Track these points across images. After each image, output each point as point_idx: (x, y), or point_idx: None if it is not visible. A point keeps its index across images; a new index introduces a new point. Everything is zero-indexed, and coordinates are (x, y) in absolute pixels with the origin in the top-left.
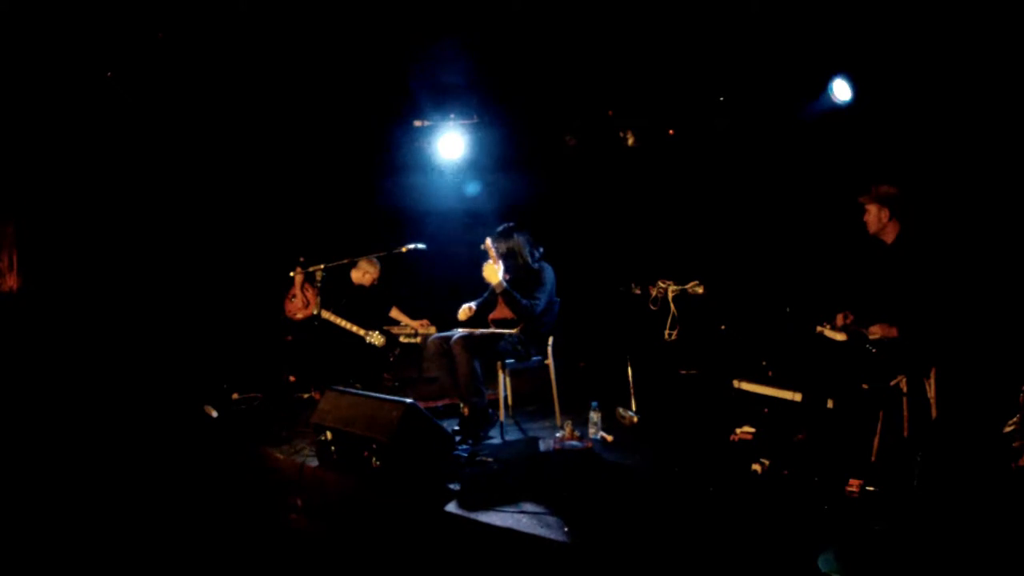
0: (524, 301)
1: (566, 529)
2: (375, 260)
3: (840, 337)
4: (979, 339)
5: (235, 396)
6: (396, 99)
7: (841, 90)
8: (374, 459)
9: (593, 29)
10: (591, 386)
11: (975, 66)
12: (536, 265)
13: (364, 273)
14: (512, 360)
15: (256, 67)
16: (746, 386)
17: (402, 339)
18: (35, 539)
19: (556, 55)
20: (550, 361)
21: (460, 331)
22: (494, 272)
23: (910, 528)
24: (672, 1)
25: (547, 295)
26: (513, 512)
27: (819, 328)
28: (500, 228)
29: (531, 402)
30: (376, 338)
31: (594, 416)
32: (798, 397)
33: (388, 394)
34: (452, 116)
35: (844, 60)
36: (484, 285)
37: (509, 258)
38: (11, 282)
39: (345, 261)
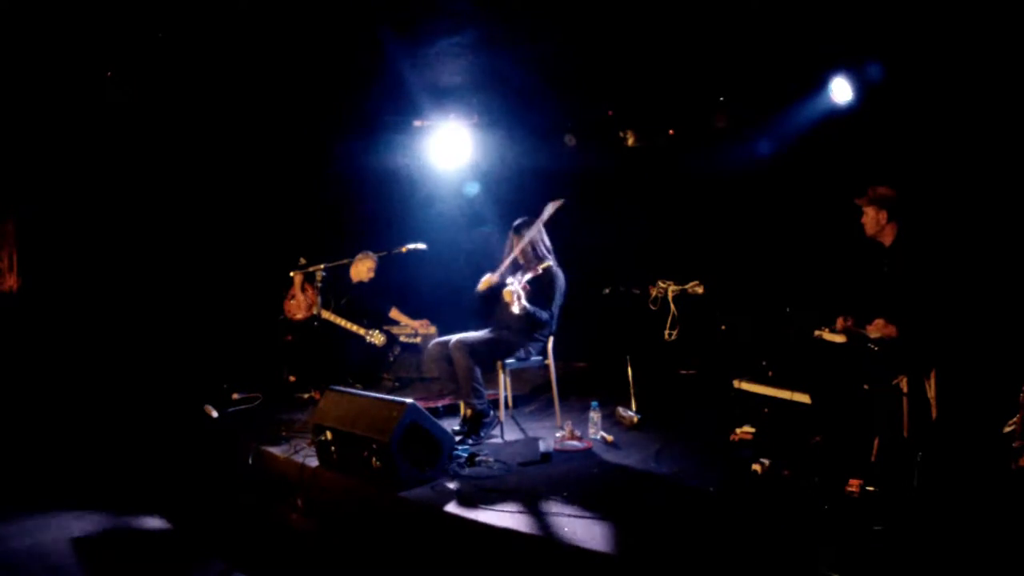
0: (544, 315)
1: (566, 529)
2: (371, 253)
3: (839, 339)
4: (979, 339)
5: (235, 396)
6: (395, 98)
7: (841, 91)
8: (374, 459)
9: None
10: (591, 386)
11: (973, 68)
12: (549, 266)
13: (362, 268)
14: (512, 360)
15: (256, 66)
16: (746, 386)
17: (402, 339)
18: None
19: (556, 55)
20: (550, 361)
21: (459, 334)
22: (514, 298)
23: (910, 528)
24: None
25: (559, 303)
26: (513, 512)
27: (817, 332)
28: (518, 221)
29: (531, 402)
30: (376, 338)
31: (594, 416)
32: (798, 397)
33: (388, 394)
34: (452, 116)
35: (844, 60)
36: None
37: (528, 249)
38: (11, 282)
39: (345, 261)
